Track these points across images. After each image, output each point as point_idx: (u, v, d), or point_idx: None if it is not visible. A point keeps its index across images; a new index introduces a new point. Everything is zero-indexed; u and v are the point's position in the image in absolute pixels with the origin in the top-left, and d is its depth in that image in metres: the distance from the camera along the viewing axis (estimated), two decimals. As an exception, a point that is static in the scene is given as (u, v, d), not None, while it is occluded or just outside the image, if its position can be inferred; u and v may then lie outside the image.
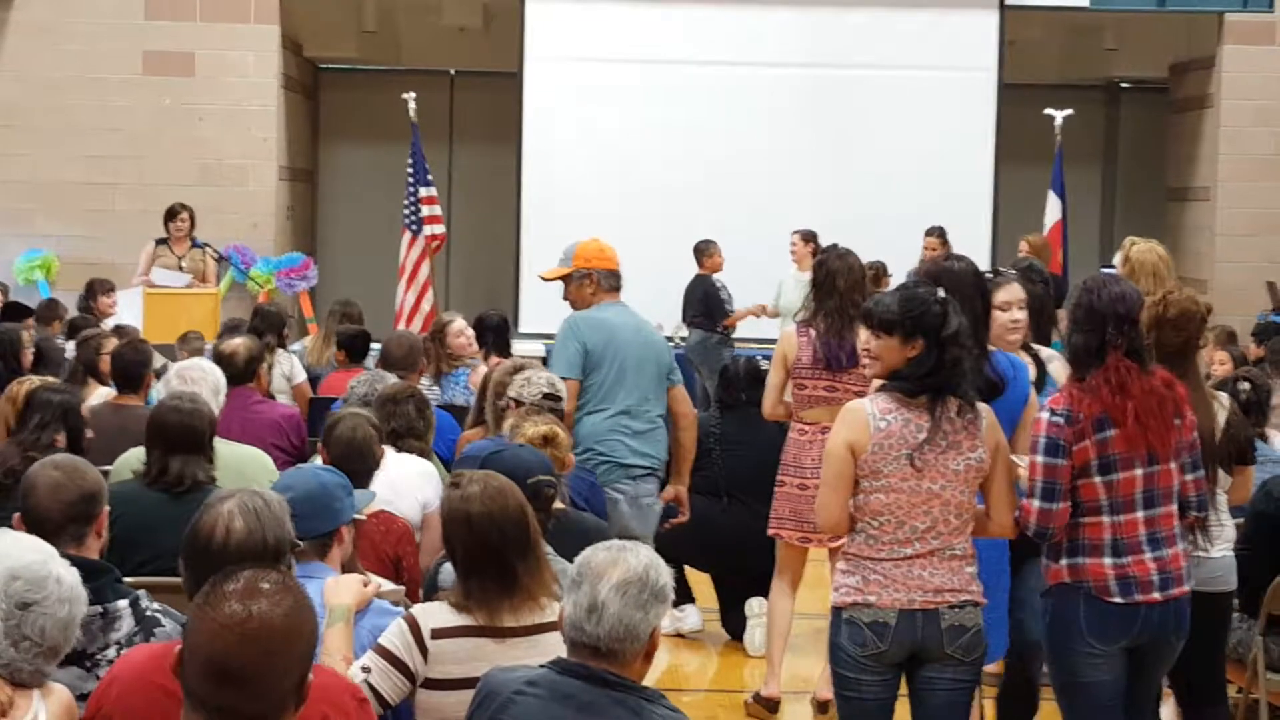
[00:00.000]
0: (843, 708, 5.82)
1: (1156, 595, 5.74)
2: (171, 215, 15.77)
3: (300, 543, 4.61)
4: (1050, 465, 5.68)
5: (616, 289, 8.80)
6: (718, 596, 10.09)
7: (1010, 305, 6.84)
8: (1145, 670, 5.86)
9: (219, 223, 16.79)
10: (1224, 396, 6.66)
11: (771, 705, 8.56)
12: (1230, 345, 12.09)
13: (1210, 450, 6.43)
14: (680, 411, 8.73)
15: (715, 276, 16.54)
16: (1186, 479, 5.86)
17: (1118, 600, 5.71)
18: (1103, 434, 5.67)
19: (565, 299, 8.99)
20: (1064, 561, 5.76)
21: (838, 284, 8.51)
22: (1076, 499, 5.70)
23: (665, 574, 4.03)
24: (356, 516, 5.18)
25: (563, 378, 8.40)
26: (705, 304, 16.38)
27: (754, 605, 9.78)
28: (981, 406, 5.73)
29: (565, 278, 8.89)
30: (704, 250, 16.55)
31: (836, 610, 5.73)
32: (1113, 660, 5.76)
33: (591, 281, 8.74)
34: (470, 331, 11.20)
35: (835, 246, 8.76)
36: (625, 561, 3.99)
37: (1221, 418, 6.61)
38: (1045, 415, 5.73)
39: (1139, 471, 5.71)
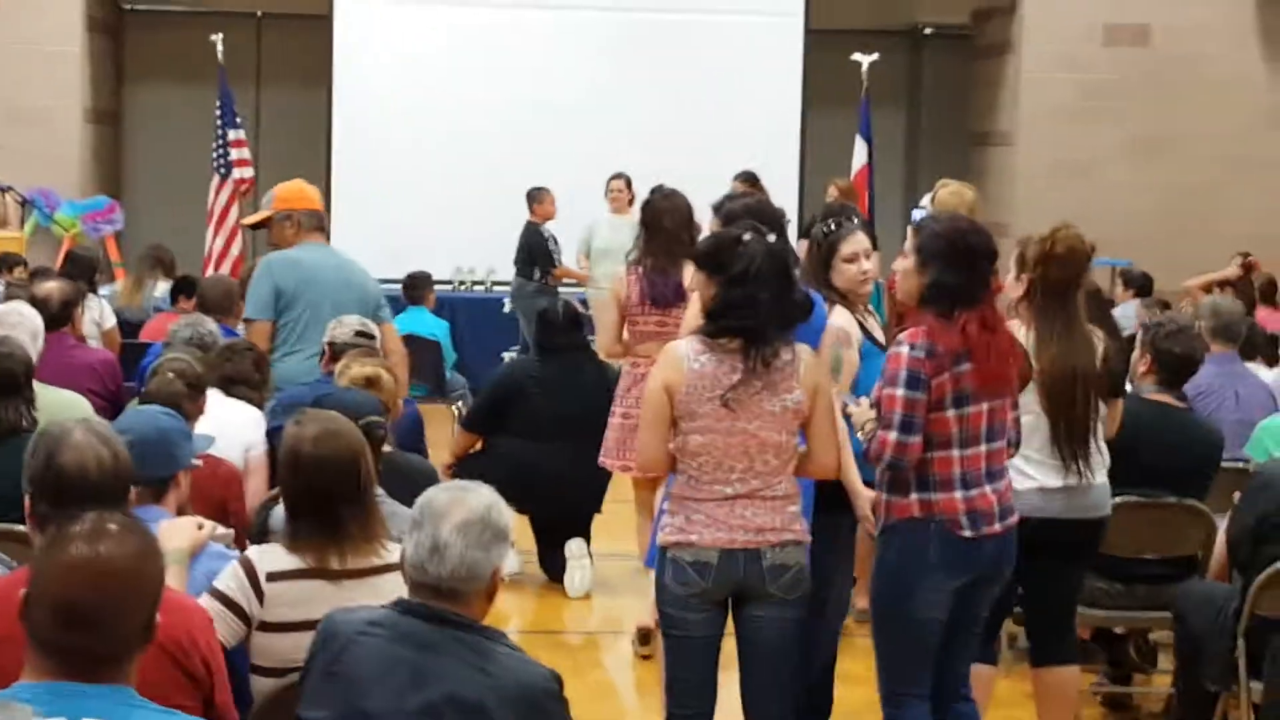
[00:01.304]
0: (669, 645, 5.89)
1: (997, 527, 5.85)
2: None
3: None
4: (910, 399, 5.68)
5: (320, 228, 8.93)
6: (535, 539, 10.15)
7: (858, 256, 6.66)
8: (971, 601, 5.93)
9: (22, 166, 16.50)
10: (1100, 332, 6.79)
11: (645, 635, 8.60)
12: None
13: (1095, 384, 6.60)
14: (390, 349, 8.77)
15: (546, 225, 16.37)
16: (1011, 416, 5.98)
17: (968, 534, 5.77)
18: (959, 368, 5.73)
19: (269, 244, 9.06)
20: (914, 496, 5.79)
21: (664, 223, 8.69)
22: (928, 433, 5.73)
23: (506, 514, 4.08)
24: (193, 462, 5.18)
25: (251, 319, 8.47)
26: (528, 251, 16.27)
27: (573, 547, 9.87)
28: (801, 348, 5.78)
29: (267, 221, 8.92)
30: (534, 197, 16.42)
31: (662, 550, 5.80)
32: (948, 599, 5.83)
33: (293, 223, 8.81)
34: None
35: (661, 187, 8.88)
36: (466, 502, 4.03)
37: (1099, 350, 6.74)
38: (905, 350, 5.72)
39: (985, 406, 5.80)
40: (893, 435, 5.71)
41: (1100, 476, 6.71)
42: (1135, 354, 7.85)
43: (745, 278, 5.65)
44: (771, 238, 5.79)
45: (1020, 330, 6.54)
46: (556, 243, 16.31)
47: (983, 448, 5.83)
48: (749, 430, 5.67)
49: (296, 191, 8.93)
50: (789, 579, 5.73)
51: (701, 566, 5.69)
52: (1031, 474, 6.55)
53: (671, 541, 5.75)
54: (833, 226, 6.71)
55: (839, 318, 6.52)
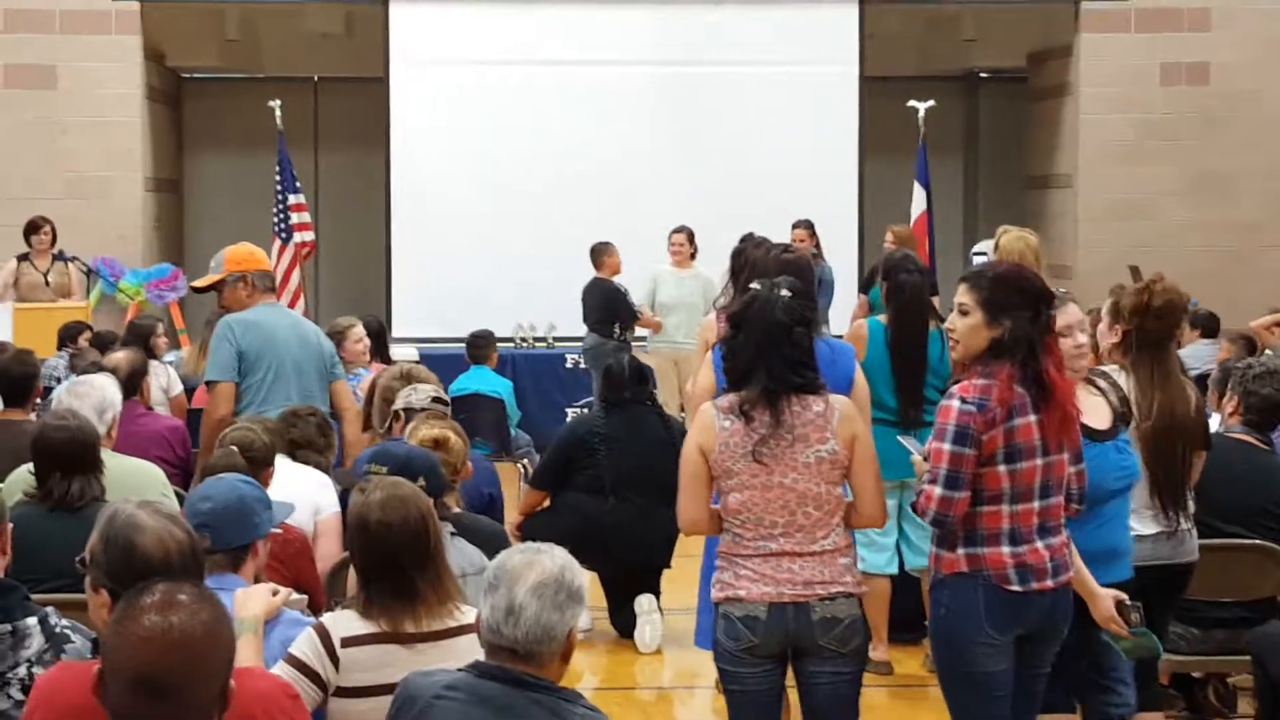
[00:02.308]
0: (729, 701, 5.90)
1: (1049, 582, 5.73)
2: (34, 229, 15.63)
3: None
4: (957, 454, 5.60)
5: (271, 289, 8.97)
6: (605, 594, 10.14)
7: (1071, 330, 6.26)
8: (1032, 658, 5.86)
9: (85, 235, 16.63)
10: (1190, 382, 6.78)
11: None
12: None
13: (1192, 433, 6.59)
14: (343, 406, 8.75)
15: (616, 279, 16.10)
16: (1071, 471, 5.84)
17: (1016, 588, 5.68)
18: (1011, 422, 5.63)
19: (220, 306, 9.06)
20: (961, 551, 5.72)
21: (755, 271, 8.65)
22: (978, 487, 5.65)
23: (580, 575, 4.08)
24: (272, 530, 5.20)
25: (215, 381, 8.46)
26: (606, 308, 15.95)
27: (643, 602, 9.84)
28: (836, 399, 5.80)
29: (219, 284, 8.94)
30: (601, 252, 16.22)
31: (715, 606, 5.82)
32: (1007, 650, 5.75)
33: (246, 284, 8.82)
34: (368, 340, 11.22)
35: (751, 235, 8.83)
36: (541, 564, 4.03)
37: (1193, 400, 6.71)
38: (955, 403, 5.63)
39: (1039, 461, 5.69)
40: (937, 490, 5.64)
41: (1190, 522, 6.70)
42: (1210, 395, 7.85)
43: (734, 322, 5.78)
44: (785, 292, 5.80)
45: (1121, 376, 6.52)
46: (629, 296, 16.08)
47: (1035, 504, 5.72)
48: (785, 484, 5.69)
49: (246, 253, 8.95)
50: (841, 632, 5.72)
51: (751, 621, 5.70)
52: (1130, 524, 6.51)
53: (721, 597, 5.78)
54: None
55: None
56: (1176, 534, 6.64)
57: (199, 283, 9.31)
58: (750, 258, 8.30)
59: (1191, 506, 6.75)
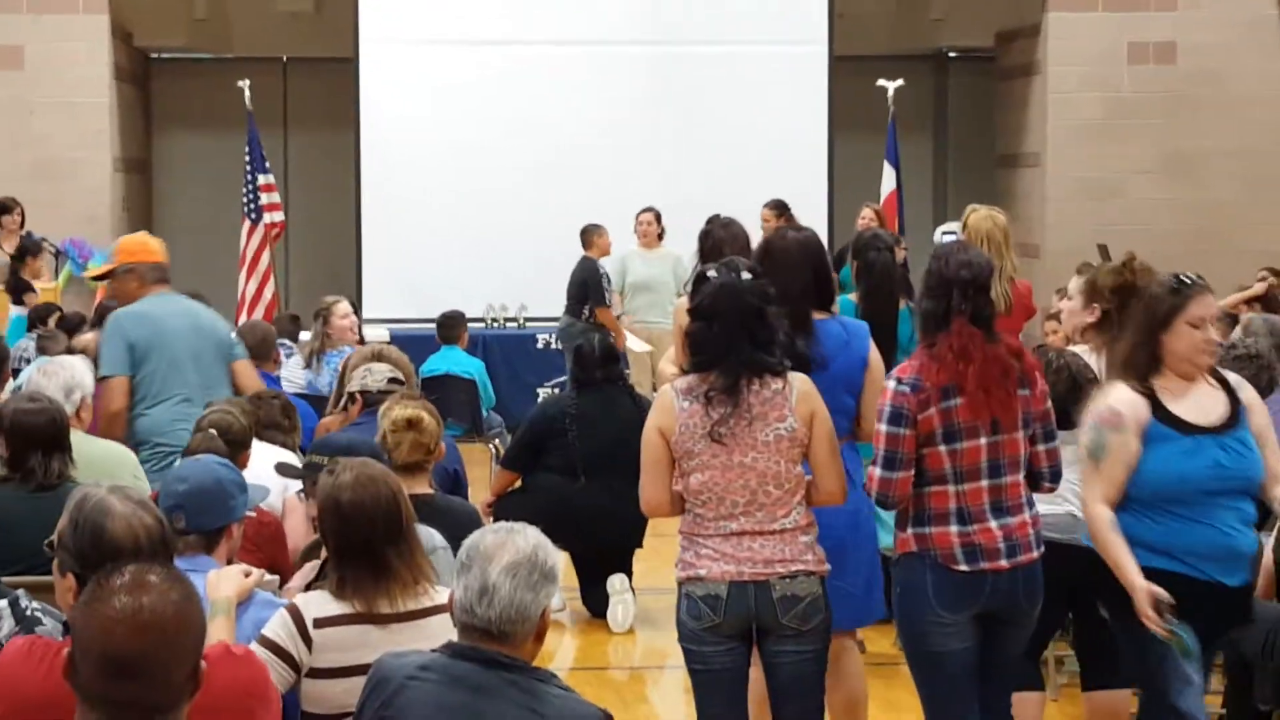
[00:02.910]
0: (694, 680, 5.91)
1: (1004, 563, 5.74)
2: (4, 210, 15.58)
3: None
4: (893, 434, 5.68)
5: (164, 280, 8.78)
6: (577, 574, 10.15)
7: (1204, 322, 5.84)
8: (998, 638, 5.88)
9: (54, 217, 16.57)
10: None
11: None
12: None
13: None
14: (245, 386, 8.72)
15: (601, 260, 16.04)
16: (1039, 449, 5.84)
17: (964, 568, 5.71)
18: (948, 403, 5.67)
19: (111, 297, 9.00)
20: (910, 531, 5.78)
21: (724, 252, 8.64)
22: (922, 468, 5.71)
23: (554, 554, 4.07)
24: (246, 513, 5.20)
25: (107, 376, 8.41)
26: (581, 289, 15.90)
27: (615, 582, 9.87)
28: (795, 377, 5.80)
29: (109, 274, 8.90)
30: (591, 232, 16.13)
31: (678, 585, 5.84)
32: (963, 629, 5.77)
33: (135, 275, 8.68)
34: (354, 316, 11.20)
35: (718, 216, 8.81)
36: (514, 544, 4.02)
37: None
38: (891, 384, 5.73)
39: (983, 441, 5.71)
40: (877, 471, 5.73)
41: None
42: None
43: (702, 313, 5.75)
44: (745, 275, 5.81)
45: (1091, 356, 6.52)
46: (609, 280, 16.04)
47: (984, 483, 5.75)
48: (745, 463, 5.70)
49: (139, 244, 8.85)
50: (801, 610, 5.74)
51: (712, 600, 5.72)
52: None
53: (684, 577, 5.80)
54: (1181, 281, 5.92)
55: (1116, 397, 5.89)
56: None
57: (91, 271, 9.29)
58: (718, 238, 8.32)
59: None
